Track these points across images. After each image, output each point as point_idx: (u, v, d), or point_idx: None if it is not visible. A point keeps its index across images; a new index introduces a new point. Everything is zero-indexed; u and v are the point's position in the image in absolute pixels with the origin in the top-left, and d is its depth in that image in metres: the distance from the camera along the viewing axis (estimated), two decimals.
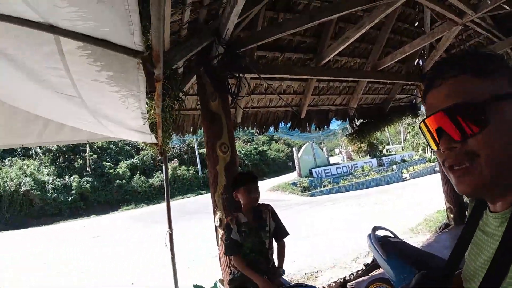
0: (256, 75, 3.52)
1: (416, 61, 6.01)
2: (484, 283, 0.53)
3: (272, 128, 5.06)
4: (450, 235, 5.18)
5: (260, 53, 3.87)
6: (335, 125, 35.36)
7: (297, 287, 2.38)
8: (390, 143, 38.26)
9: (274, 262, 2.28)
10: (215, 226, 2.90)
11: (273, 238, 2.30)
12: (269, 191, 19.28)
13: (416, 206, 9.33)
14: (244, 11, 2.92)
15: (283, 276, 2.24)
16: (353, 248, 5.56)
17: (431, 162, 24.65)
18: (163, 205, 3.53)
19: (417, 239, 5.33)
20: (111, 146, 27.29)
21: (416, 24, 5.15)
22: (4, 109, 2.63)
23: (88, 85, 1.56)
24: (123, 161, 27.04)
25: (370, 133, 6.77)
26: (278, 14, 3.64)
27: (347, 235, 7.01)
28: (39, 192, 20.89)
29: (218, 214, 2.84)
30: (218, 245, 2.90)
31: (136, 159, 27.60)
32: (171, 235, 3.33)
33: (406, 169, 23.10)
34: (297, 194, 17.71)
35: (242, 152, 33.64)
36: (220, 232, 2.73)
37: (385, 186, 19.09)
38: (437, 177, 19.82)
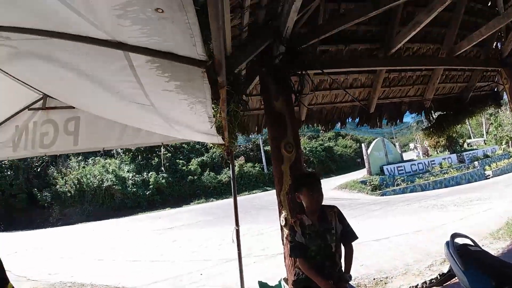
0: (320, 71, 3.42)
1: (494, 45, 5.19)
2: None
3: (338, 125, 4.86)
4: None
5: (323, 47, 3.75)
6: (409, 118, 32.38)
7: None
8: (472, 136, 33.80)
9: (341, 266, 2.19)
10: (281, 225, 2.92)
11: (341, 242, 2.21)
12: (336, 189, 18.57)
13: (499, 208, 8.12)
14: (303, 6, 2.87)
15: (349, 282, 2.13)
16: (428, 254, 5.07)
17: None
18: (231, 199, 3.68)
19: (497, 246, 4.73)
20: (184, 145, 29.38)
21: (489, 4, 4.47)
22: (86, 116, 3.04)
23: (159, 94, 1.70)
24: (194, 159, 28.91)
25: (450, 126, 6.05)
26: (339, 5, 3.48)
27: (421, 239, 6.42)
28: (120, 187, 23.42)
29: (284, 213, 2.84)
30: (283, 244, 2.91)
31: (206, 156, 29.26)
32: (237, 231, 3.45)
33: (489, 165, 20.13)
34: (367, 193, 16.70)
35: (308, 148, 32.92)
36: (286, 231, 2.73)
37: (466, 185, 16.97)
38: None
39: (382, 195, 16.10)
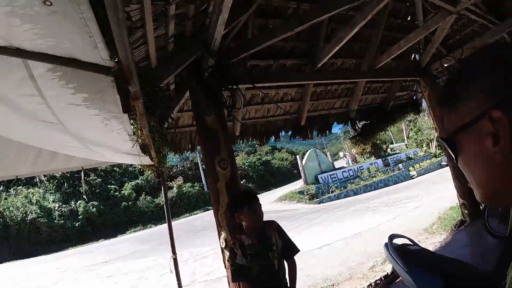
0: (251, 85, 3.41)
1: (413, 56, 5.91)
2: None
3: (272, 138, 4.92)
4: (467, 232, 4.94)
5: (254, 62, 3.78)
6: (336, 128, 35.23)
7: None
8: (394, 141, 37.91)
9: (287, 283, 2.10)
10: (221, 247, 2.74)
11: (283, 257, 2.12)
12: (276, 201, 18.91)
13: (428, 204, 9.07)
14: (232, 20, 2.84)
15: None
16: (369, 256, 5.33)
17: (437, 157, 24.29)
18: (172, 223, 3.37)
19: (434, 240, 5.10)
20: (115, 168, 27.18)
21: (409, 19, 5.07)
22: None
23: (67, 110, 1.44)
24: (128, 183, 26.84)
25: (374, 134, 6.62)
26: (268, 21, 3.55)
27: (360, 242, 6.78)
28: (46, 220, 20.65)
29: (223, 234, 2.67)
30: (225, 267, 2.73)
31: (141, 179, 27.39)
32: (175, 260, 3.16)
33: (413, 166, 22.69)
34: (305, 203, 17.32)
35: (246, 164, 33.29)
36: (227, 253, 2.56)
37: (394, 186, 18.76)
38: (445, 171, 19.50)
39: (320, 203, 16.86)
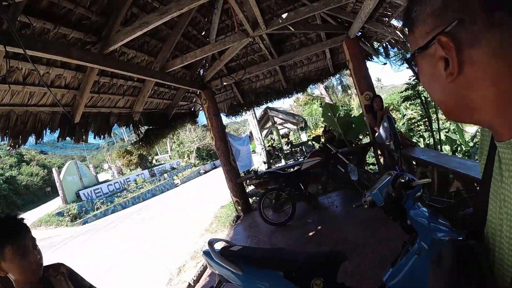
0: (17, 51, 2.22)
1: (198, 70, 6.27)
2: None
3: (33, 138, 3.47)
4: (245, 223, 5.61)
5: (26, 19, 2.51)
6: (98, 139, 31.65)
7: None
8: (159, 153, 39.30)
9: None
10: None
11: None
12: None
13: (198, 207, 9.83)
14: None
15: None
16: (159, 270, 4.91)
17: (196, 166, 27.76)
18: None
19: (219, 236, 5.43)
20: None
21: (203, 33, 5.34)
22: None
23: None
24: None
25: (157, 140, 6.37)
26: None
27: (143, 257, 6.20)
28: None
29: None
30: None
31: None
32: None
33: (177, 175, 24.39)
34: (67, 225, 14.02)
35: None
36: None
37: (161, 195, 19.23)
38: (203, 178, 22.27)
39: (84, 223, 14.26)
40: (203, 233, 6.01)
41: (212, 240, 2.14)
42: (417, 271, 1.60)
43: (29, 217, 16.94)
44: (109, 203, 16.76)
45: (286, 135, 20.05)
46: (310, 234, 4.24)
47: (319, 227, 4.40)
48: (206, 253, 2.09)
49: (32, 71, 2.88)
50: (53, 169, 17.17)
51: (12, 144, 3.07)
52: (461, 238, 0.65)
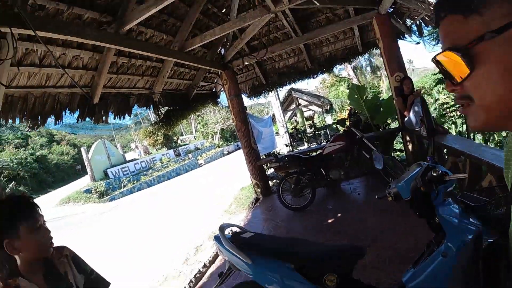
0: (29, 33, 2.18)
1: (218, 50, 6.09)
2: None
3: (52, 119, 3.50)
4: (263, 206, 5.55)
5: (39, 1, 2.46)
6: (127, 119, 32.66)
7: None
8: (183, 133, 40.05)
9: None
10: None
11: None
12: (58, 205, 15.05)
13: (221, 188, 9.91)
14: None
15: None
16: (178, 248, 5.01)
17: (219, 147, 28.05)
18: None
19: (237, 219, 5.46)
20: None
21: (223, 11, 5.12)
22: None
23: None
24: None
25: (177, 120, 6.36)
26: None
27: (164, 234, 6.36)
28: None
29: None
30: None
31: None
32: None
33: (201, 155, 24.85)
34: (94, 202, 14.76)
35: (15, 161, 24.36)
36: None
37: (185, 174, 19.68)
38: (226, 159, 22.51)
39: (111, 200, 14.95)
40: (222, 213, 6.05)
41: (224, 226, 2.06)
42: (441, 275, 1.44)
43: (59, 193, 18.04)
44: (135, 181, 17.40)
45: (310, 118, 19.60)
46: (329, 221, 4.10)
47: (339, 215, 4.24)
48: (216, 238, 2.02)
49: (47, 53, 2.85)
50: (82, 148, 17.92)
51: (30, 126, 3.11)
52: (492, 240, 0.59)
